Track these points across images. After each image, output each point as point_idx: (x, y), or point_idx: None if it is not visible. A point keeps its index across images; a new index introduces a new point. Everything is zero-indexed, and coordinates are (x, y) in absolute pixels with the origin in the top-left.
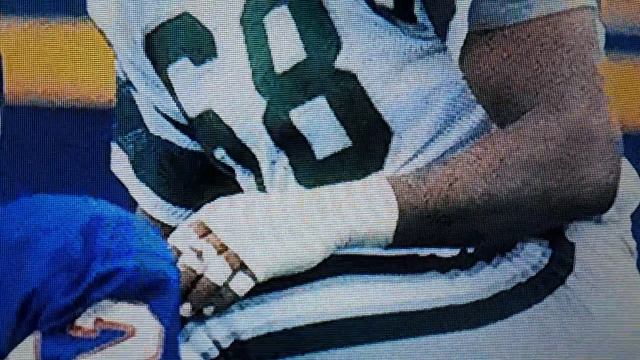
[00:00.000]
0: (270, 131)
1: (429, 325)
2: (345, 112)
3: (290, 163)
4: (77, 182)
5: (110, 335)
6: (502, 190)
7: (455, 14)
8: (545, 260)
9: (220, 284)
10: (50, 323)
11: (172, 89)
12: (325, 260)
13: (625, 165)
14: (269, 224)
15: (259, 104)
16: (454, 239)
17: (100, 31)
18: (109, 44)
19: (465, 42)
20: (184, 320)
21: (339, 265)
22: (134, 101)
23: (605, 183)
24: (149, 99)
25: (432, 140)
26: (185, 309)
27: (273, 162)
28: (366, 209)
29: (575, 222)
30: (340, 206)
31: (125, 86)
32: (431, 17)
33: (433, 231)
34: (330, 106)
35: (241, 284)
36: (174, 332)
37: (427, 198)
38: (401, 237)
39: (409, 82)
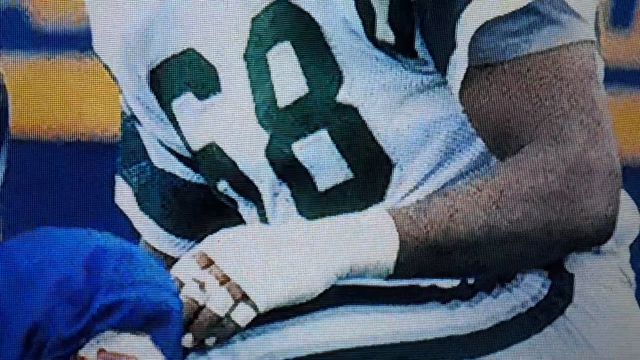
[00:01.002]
0: (272, 164)
1: (430, 356)
2: (347, 144)
3: (292, 195)
4: (82, 214)
5: None
6: (502, 222)
7: (456, 49)
8: (545, 291)
9: (222, 314)
10: (54, 353)
11: (176, 122)
12: (326, 291)
13: (624, 196)
14: (270, 255)
15: (262, 137)
16: (455, 270)
17: (106, 66)
18: (114, 79)
19: (465, 76)
20: (186, 351)
21: (340, 295)
22: (139, 135)
23: (604, 215)
24: (153, 132)
25: (432, 172)
26: (188, 340)
27: (275, 194)
28: (367, 240)
29: (574, 253)
30: (342, 237)
31: (130, 120)
32: (432, 52)
33: (434, 262)
34: (332, 139)
35: (243, 315)
36: None
37: (428, 229)
38: (402, 268)
39: (410, 115)
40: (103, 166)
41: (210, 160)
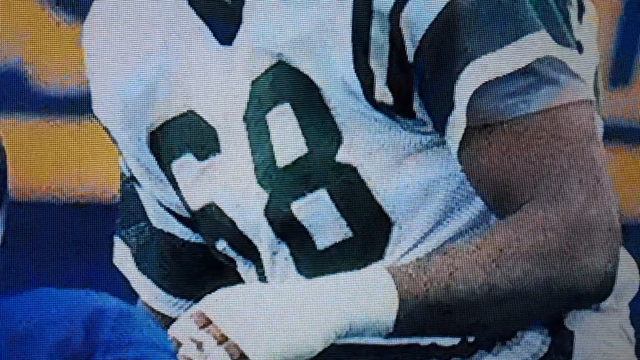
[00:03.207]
0: (271, 223)
1: None
2: (346, 203)
3: (291, 254)
4: (80, 275)
5: None
6: (502, 281)
7: (454, 110)
8: (545, 349)
9: None
10: None
11: (176, 183)
12: (325, 350)
13: (623, 254)
14: (269, 314)
15: (261, 197)
16: (455, 328)
17: (105, 129)
18: (114, 142)
19: (464, 136)
20: None
21: (339, 354)
22: (138, 196)
23: (604, 272)
24: (152, 193)
25: (431, 230)
26: None
27: (274, 253)
28: (367, 298)
29: (574, 310)
30: (341, 295)
31: (129, 181)
32: (430, 113)
33: (433, 320)
34: (331, 198)
35: None
36: None
37: (428, 287)
38: (402, 326)
39: (409, 174)
40: (102, 227)
41: (209, 220)
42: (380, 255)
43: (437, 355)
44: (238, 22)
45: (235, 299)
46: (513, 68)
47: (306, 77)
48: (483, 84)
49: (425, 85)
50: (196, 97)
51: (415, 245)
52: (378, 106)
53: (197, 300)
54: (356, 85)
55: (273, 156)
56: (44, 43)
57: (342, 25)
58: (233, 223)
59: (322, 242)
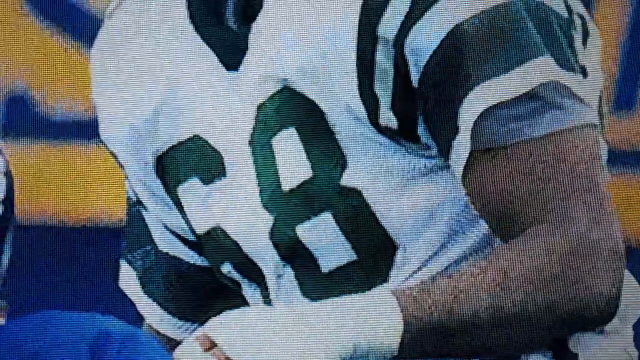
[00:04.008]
0: (276, 246)
1: None
2: (351, 227)
3: (296, 277)
4: (86, 298)
5: None
6: (507, 304)
7: (458, 134)
8: None
9: None
10: None
11: (182, 207)
12: None
13: (627, 276)
14: (274, 337)
15: (266, 220)
16: (459, 351)
17: (112, 154)
18: (120, 166)
19: (468, 160)
20: None
21: None
22: (144, 219)
23: (608, 295)
24: (158, 217)
25: (436, 254)
26: None
27: (279, 276)
28: (371, 321)
29: (578, 333)
30: (345, 318)
31: (135, 205)
32: (434, 137)
33: (438, 343)
34: (336, 221)
35: None
36: None
37: (432, 310)
38: (406, 349)
39: (413, 198)
40: (108, 250)
41: (215, 243)
42: (384, 278)
43: None
44: (244, 48)
45: (240, 322)
46: (517, 93)
47: (311, 102)
48: (487, 108)
49: (429, 110)
50: (202, 121)
51: (419, 269)
52: (382, 130)
53: (202, 323)
54: (361, 110)
55: (278, 180)
56: (51, 68)
57: (347, 51)
58: (238, 246)
59: (327, 265)
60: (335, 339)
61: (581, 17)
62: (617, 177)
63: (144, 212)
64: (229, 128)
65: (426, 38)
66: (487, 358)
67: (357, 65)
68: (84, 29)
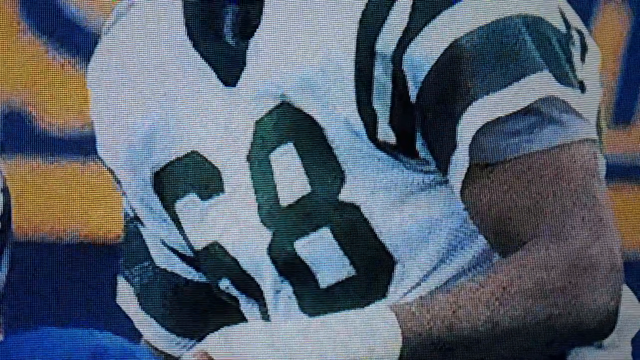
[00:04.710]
0: (274, 261)
1: None
2: (349, 242)
3: (294, 292)
4: (83, 315)
5: None
6: (505, 318)
7: (457, 149)
8: None
9: None
10: None
11: (179, 223)
12: None
13: (625, 291)
14: (272, 352)
15: (265, 236)
16: None
17: (110, 170)
18: (118, 182)
19: (466, 175)
20: None
21: None
22: (141, 235)
23: (606, 309)
24: (156, 233)
25: (434, 268)
26: None
27: (277, 292)
28: (370, 336)
29: (577, 347)
30: (344, 334)
31: (132, 221)
32: (433, 152)
33: (437, 358)
34: (334, 237)
35: None
36: None
37: (431, 325)
38: None
39: (412, 213)
40: (105, 267)
41: (213, 259)
42: (383, 294)
43: None
44: (242, 64)
45: (237, 338)
46: (515, 108)
47: (309, 117)
48: (485, 123)
49: (427, 125)
50: (200, 137)
51: (418, 284)
52: (381, 145)
53: (200, 339)
54: (359, 125)
55: (276, 195)
56: (48, 84)
57: (345, 67)
58: (236, 262)
59: (325, 280)
60: (333, 355)
61: (579, 32)
62: (615, 191)
63: (141, 228)
64: (227, 144)
65: (424, 53)
66: None
67: (355, 81)
68: (81, 45)
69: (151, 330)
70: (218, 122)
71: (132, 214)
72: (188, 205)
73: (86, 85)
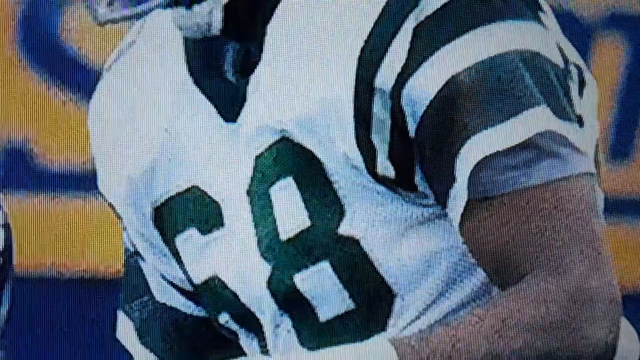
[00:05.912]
0: (274, 295)
1: None
2: (349, 276)
3: (294, 326)
4: (84, 350)
5: None
6: (505, 351)
7: (455, 183)
8: None
9: None
10: None
11: (179, 257)
12: None
13: (624, 324)
14: None
15: (264, 270)
16: None
17: (111, 205)
18: (118, 217)
19: (465, 209)
20: None
21: None
22: (141, 270)
23: (605, 342)
24: (156, 267)
25: (434, 302)
26: None
27: (277, 326)
28: None
29: None
30: None
31: (133, 256)
32: (432, 186)
33: None
34: (334, 270)
35: None
36: None
37: (430, 359)
38: None
39: (411, 246)
40: (105, 302)
41: (212, 293)
42: (382, 327)
43: None
44: (242, 100)
45: None
46: (513, 142)
47: (309, 152)
48: (483, 157)
49: (426, 159)
50: (200, 172)
51: (417, 317)
52: (380, 180)
53: None
54: (358, 160)
55: (276, 229)
56: (49, 121)
57: (344, 102)
58: (236, 296)
59: (325, 314)
60: None
61: (577, 66)
62: (613, 225)
63: (141, 263)
64: (227, 179)
65: (423, 89)
66: None
67: (354, 116)
68: (82, 82)
69: None
70: (218, 157)
71: (132, 249)
72: (188, 239)
73: (87, 121)
